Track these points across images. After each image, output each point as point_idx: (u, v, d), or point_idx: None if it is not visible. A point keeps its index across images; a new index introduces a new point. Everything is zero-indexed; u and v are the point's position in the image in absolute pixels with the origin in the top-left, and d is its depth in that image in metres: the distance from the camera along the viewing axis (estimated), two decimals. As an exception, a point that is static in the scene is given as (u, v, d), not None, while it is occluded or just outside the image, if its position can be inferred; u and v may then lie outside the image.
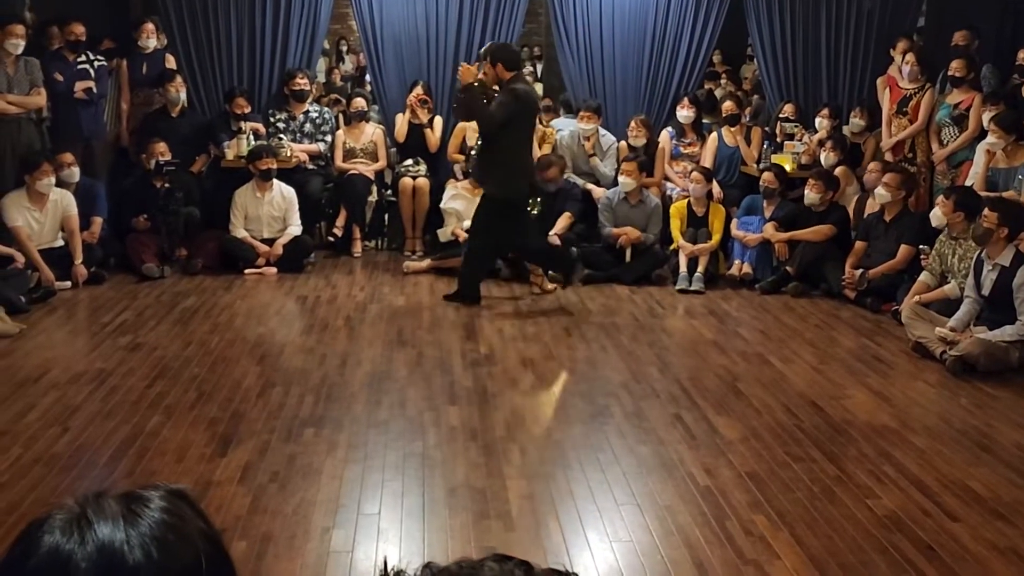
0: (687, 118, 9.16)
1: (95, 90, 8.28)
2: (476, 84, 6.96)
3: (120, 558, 0.95)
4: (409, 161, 9.20)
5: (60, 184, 7.63)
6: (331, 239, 9.04)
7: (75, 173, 7.82)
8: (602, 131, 9.14)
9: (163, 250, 8.16)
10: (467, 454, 4.63)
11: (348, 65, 16.53)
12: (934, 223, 6.92)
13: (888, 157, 8.37)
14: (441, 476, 4.39)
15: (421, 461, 4.54)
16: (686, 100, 9.21)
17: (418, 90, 9.19)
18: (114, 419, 4.97)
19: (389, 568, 0.76)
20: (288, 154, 8.73)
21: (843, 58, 9.60)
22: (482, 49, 7.38)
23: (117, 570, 0.95)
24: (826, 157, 8.53)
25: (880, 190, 7.62)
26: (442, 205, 8.71)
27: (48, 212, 7.55)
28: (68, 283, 7.53)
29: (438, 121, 9.34)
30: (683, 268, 8.11)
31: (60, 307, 7.17)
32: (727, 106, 9.31)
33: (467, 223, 8.50)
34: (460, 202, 8.61)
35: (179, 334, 6.49)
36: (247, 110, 8.88)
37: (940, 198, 6.98)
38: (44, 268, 7.34)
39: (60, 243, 7.66)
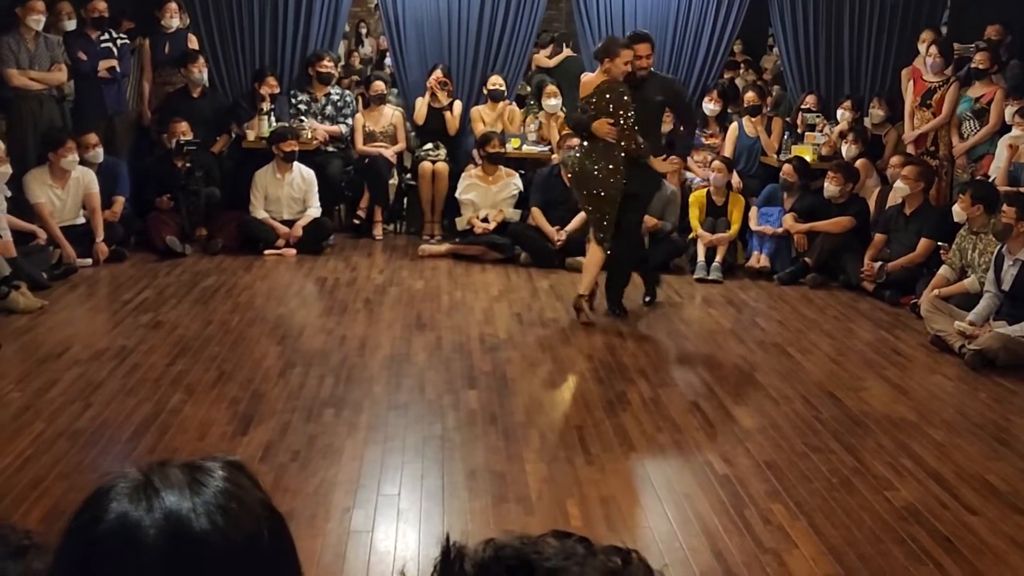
0: (713, 111, 9.15)
1: (118, 69, 8.31)
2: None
3: (187, 525, 0.98)
4: (429, 145, 9.21)
5: (84, 165, 7.67)
6: (356, 221, 9.06)
7: (99, 154, 7.86)
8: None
9: (183, 229, 8.19)
10: (486, 438, 4.65)
11: (367, 48, 16.51)
12: (956, 218, 6.90)
13: (910, 149, 8.35)
14: (461, 459, 4.41)
15: (441, 444, 4.57)
16: (715, 93, 9.19)
17: (438, 73, 9.18)
18: (136, 396, 5.01)
19: (451, 543, 0.78)
20: (309, 135, 8.76)
21: (866, 50, 9.55)
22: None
23: (184, 537, 0.97)
24: (847, 149, 8.51)
25: (898, 183, 7.61)
26: (457, 195, 8.72)
27: (70, 189, 7.58)
28: (89, 260, 7.58)
29: (457, 105, 9.34)
30: (701, 257, 8.12)
31: (81, 284, 7.21)
32: (749, 96, 9.29)
33: (483, 212, 8.54)
34: (475, 192, 8.63)
35: (200, 313, 6.53)
36: (276, 91, 8.89)
37: (958, 193, 6.96)
38: (66, 245, 7.39)
39: (82, 220, 7.70)
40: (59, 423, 4.64)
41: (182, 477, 1.02)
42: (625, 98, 6.32)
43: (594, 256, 6.65)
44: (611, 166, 6.40)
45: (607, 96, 6.34)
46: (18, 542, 1.34)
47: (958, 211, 6.86)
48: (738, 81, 12.11)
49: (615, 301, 6.88)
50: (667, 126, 8.95)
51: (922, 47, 8.54)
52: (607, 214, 6.51)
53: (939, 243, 7.38)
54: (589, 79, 6.54)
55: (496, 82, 9.24)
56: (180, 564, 0.97)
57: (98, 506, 1.00)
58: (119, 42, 8.40)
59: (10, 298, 6.32)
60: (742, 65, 13.06)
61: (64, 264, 7.33)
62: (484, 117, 9.26)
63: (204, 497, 1.00)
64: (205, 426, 4.67)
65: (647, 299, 7.19)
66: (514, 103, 9.69)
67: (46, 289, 6.84)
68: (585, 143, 6.58)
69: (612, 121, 6.33)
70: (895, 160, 8.12)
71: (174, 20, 8.91)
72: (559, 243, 8.13)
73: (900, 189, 7.61)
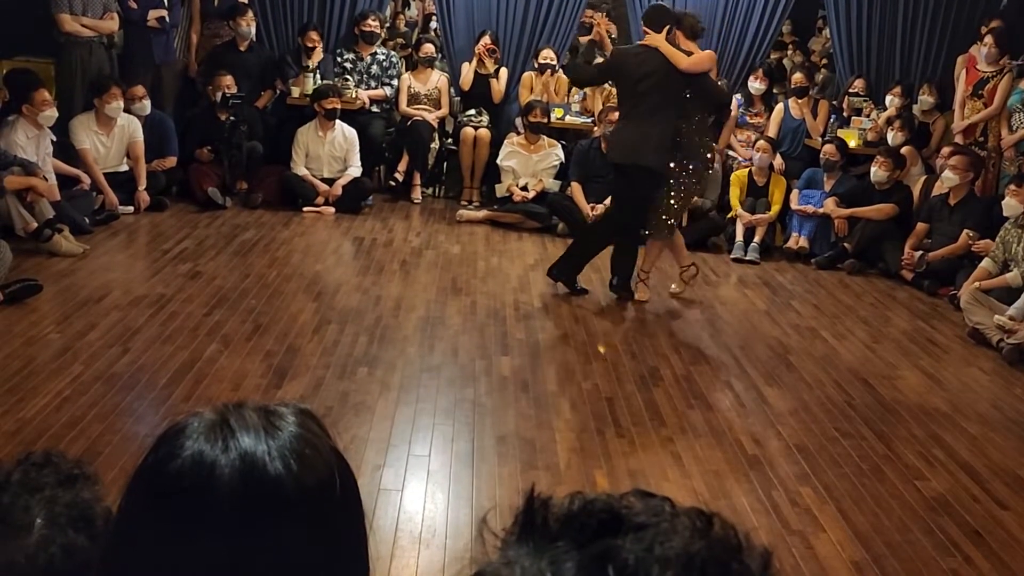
0: (758, 90, 9.05)
1: (167, 19, 8.34)
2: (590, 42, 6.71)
3: (262, 467, 0.98)
4: (472, 111, 9.19)
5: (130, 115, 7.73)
6: (392, 183, 9.08)
7: (146, 106, 7.88)
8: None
9: (224, 182, 8.22)
10: (518, 404, 4.67)
11: (413, 11, 16.47)
12: (1006, 212, 6.78)
13: (958, 139, 8.23)
14: (491, 424, 4.43)
15: (472, 408, 4.59)
16: (760, 72, 9.08)
17: (486, 39, 9.15)
18: (173, 344, 5.06)
19: (535, 494, 0.77)
20: (353, 95, 8.77)
21: (918, 36, 9.39)
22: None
23: (258, 479, 0.98)
24: (893, 136, 8.40)
25: (947, 172, 7.49)
26: (499, 162, 8.71)
27: (115, 136, 7.63)
28: (131, 208, 7.64)
29: (503, 72, 9.30)
30: (739, 237, 8.07)
31: (122, 231, 7.28)
32: (797, 77, 9.18)
33: (523, 180, 8.51)
34: (515, 159, 8.61)
35: (237, 266, 6.57)
36: (319, 45, 8.89)
37: (1011, 185, 6.85)
38: (108, 191, 7.44)
39: (125, 168, 7.75)
40: (97, 366, 4.69)
41: (257, 420, 1.02)
42: None
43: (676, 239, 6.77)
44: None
45: None
46: (69, 470, 1.37)
47: (1012, 204, 6.71)
48: (785, 62, 11.98)
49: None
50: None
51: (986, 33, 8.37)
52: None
53: (969, 232, 7.29)
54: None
55: (547, 56, 9.19)
56: (253, 505, 0.97)
57: (173, 443, 1.00)
58: (169, -9, 8.43)
59: (53, 241, 6.39)
60: (790, 46, 12.91)
61: (106, 210, 7.39)
62: (532, 85, 9.22)
63: (279, 441, 1.01)
64: (240, 377, 4.72)
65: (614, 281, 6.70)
66: (560, 70, 9.62)
67: (88, 234, 6.91)
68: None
69: None
70: (945, 151, 7.99)
71: (225, -28, 8.92)
72: (594, 219, 8.09)
73: (948, 179, 7.49)
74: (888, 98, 8.94)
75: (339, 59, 9.10)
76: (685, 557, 0.71)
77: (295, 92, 8.76)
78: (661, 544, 0.71)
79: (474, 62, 9.18)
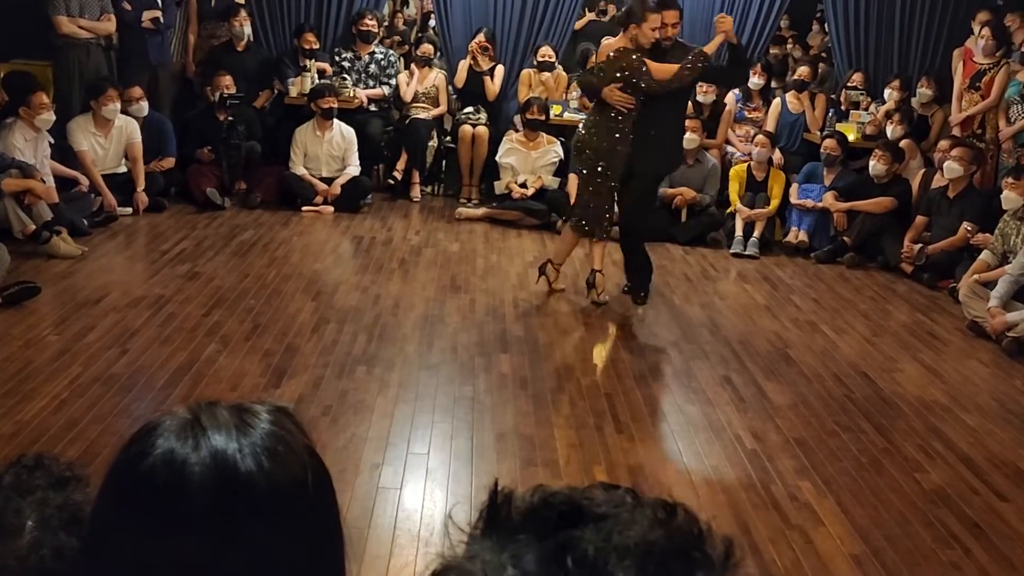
0: (756, 85, 9.05)
1: (162, 20, 8.33)
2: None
3: (233, 466, 0.98)
4: (470, 108, 9.18)
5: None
6: (391, 182, 9.08)
7: (144, 107, 7.88)
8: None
9: (223, 182, 8.22)
10: (516, 402, 4.67)
11: (411, 9, 16.46)
12: (1006, 205, 6.75)
13: (956, 132, 8.22)
14: (490, 421, 4.43)
15: (471, 405, 4.59)
16: (758, 67, 9.08)
17: (480, 37, 9.15)
18: (171, 345, 5.06)
19: (499, 488, 0.78)
20: (351, 95, 8.77)
21: (916, 30, 9.37)
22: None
23: (229, 477, 0.98)
24: (892, 129, 8.39)
25: (951, 163, 7.45)
26: (497, 159, 8.70)
27: (113, 138, 7.63)
28: (129, 209, 7.63)
29: (499, 70, 9.29)
30: (739, 232, 8.07)
31: (121, 232, 7.28)
32: (802, 71, 9.19)
33: (522, 177, 8.50)
34: (514, 156, 8.60)
35: (236, 266, 6.57)
36: (315, 46, 8.89)
37: (1009, 178, 6.83)
38: (107, 193, 7.44)
39: (123, 169, 7.75)
40: (95, 368, 4.70)
41: (230, 418, 1.02)
42: (644, 68, 5.89)
43: (569, 236, 6.46)
44: (618, 145, 6.01)
45: (621, 64, 5.90)
46: (60, 473, 1.37)
47: (1011, 197, 6.68)
48: (785, 56, 11.97)
49: (640, 286, 6.36)
50: (710, 96, 8.91)
51: (976, 27, 8.38)
52: (605, 203, 6.19)
53: (968, 226, 7.28)
54: (608, 44, 6.17)
55: (546, 53, 9.17)
56: (224, 503, 0.97)
57: (145, 441, 1.01)
58: (164, -7, 8.43)
59: (51, 243, 6.39)
60: (790, 40, 12.90)
61: (105, 212, 7.39)
62: (531, 82, 9.21)
63: (251, 439, 1.01)
64: (238, 377, 4.72)
65: (626, 288, 6.50)
66: (560, 68, 9.61)
67: (86, 236, 6.91)
68: (594, 116, 6.14)
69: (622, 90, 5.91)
70: (943, 145, 7.97)
71: (222, -27, 8.93)
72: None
73: (952, 170, 7.45)
74: (887, 91, 8.93)
75: (337, 58, 9.10)
76: (644, 547, 0.71)
77: (293, 92, 8.75)
78: (620, 534, 0.72)
79: (468, 59, 9.18)
